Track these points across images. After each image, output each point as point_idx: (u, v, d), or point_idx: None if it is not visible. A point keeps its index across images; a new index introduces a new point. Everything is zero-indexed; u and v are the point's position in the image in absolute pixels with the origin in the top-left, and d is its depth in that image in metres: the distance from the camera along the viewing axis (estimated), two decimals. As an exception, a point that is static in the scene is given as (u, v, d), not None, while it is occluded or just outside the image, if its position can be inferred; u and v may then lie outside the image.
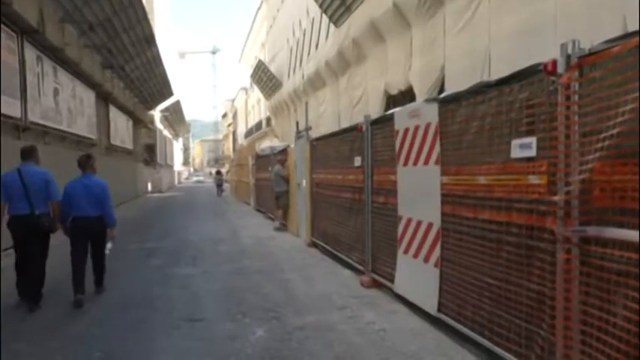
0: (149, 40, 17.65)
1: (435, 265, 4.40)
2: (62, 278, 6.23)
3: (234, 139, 65.40)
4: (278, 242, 10.03)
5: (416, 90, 12.36)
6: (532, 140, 3.09)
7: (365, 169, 6.18)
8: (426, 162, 4.55)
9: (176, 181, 54.57)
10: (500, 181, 3.42)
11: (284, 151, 12.73)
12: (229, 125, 77.36)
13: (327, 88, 20.63)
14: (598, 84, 2.61)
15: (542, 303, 2.99)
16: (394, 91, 14.01)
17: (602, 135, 2.52)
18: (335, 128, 13.57)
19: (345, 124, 16.35)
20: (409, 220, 4.99)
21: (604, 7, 6.47)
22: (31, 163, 5.60)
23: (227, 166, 59.37)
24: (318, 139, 9.06)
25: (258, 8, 41.90)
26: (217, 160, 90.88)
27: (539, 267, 3.03)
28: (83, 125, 16.33)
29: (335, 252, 7.76)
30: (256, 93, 42.11)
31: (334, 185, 7.79)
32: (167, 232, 12.12)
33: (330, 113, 19.86)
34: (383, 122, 5.76)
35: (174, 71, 39.27)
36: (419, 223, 4.77)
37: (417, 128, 4.71)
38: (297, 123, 12.05)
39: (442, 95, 4.31)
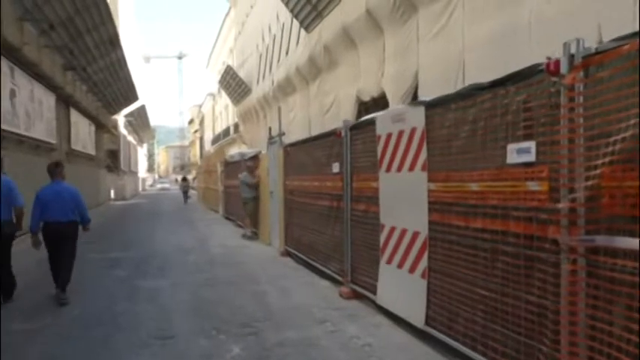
0: (113, 41, 17.02)
1: (422, 276, 4.21)
2: (23, 288, 5.89)
3: (201, 146, 64.32)
4: (250, 251, 9.69)
5: (389, 97, 12.27)
6: (531, 144, 2.94)
7: (344, 176, 5.97)
8: (411, 168, 4.37)
9: (140, 188, 53.15)
10: (495, 188, 3.25)
11: (254, 158, 12.42)
12: (196, 131, 76.08)
13: (297, 94, 20.42)
14: (605, 85, 2.47)
15: (544, 317, 2.83)
16: (366, 98, 13.92)
17: (612, 138, 2.37)
18: (305, 135, 13.32)
19: (315, 131, 16.13)
20: (392, 229, 4.80)
21: (579, 14, 6.49)
22: None
23: (193, 172, 58.30)
24: (292, 144, 8.82)
25: (227, 14, 41.41)
26: (183, 167, 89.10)
27: (539, 278, 2.87)
28: (42, 129, 15.53)
29: (311, 261, 7.50)
30: (224, 99, 41.50)
31: (310, 192, 7.55)
32: (132, 241, 11.59)
33: (300, 119, 19.64)
34: (363, 127, 5.57)
35: (139, 76, 38.25)
36: (403, 232, 4.58)
37: (401, 133, 4.53)
38: (270, 129, 11.78)
39: (429, 98, 4.14)
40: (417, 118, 4.25)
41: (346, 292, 5.82)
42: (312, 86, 18.43)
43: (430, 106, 4.10)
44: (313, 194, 7.36)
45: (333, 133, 6.44)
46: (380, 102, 12.92)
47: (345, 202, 5.94)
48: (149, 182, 71.78)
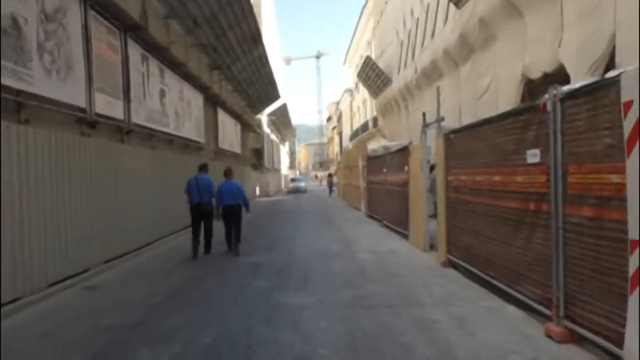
0: (255, 38, 16.85)
1: None
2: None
3: (341, 142, 64.63)
4: (402, 259, 8.24)
5: (569, 70, 9.89)
6: None
7: (550, 167, 4.23)
8: None
9: (283, 185, 54.91)
10: None
11: (402, 150, 10.91)
12: (334, 128, 76.89)
13: (444, 79, 18.39)
14: None
15: None
16: (536, 75, 11.54)
17: None
18: (455, 124, 11.35)
19: (467, 119, 14.09)
20: (659, 250, 3.00)
21: None
22: (203, 173, 9.29)
23: (332, 168, 58.87)
24: (456, 130, 7.18)
25: (364, 5, 40.42)
26: (322, 164, 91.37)
27: None
28: (191, 128, 15.89)
29: (486, 278, 5.85)
30: (362, 94, 40.64)
31: (486, 189, 5.88)
32: (274, 242, 10.93)
33: (449, 107, 17.50)
34: (588, 94, 3.79)
35: (280, 77, 39.18)
36: (689, 257, 2.77)
37: (685, 93, 2.73)
38: (424, 114, 10.15)
39: None
40: None
41: (558, 332, 4.09)
42: (463, 69, 16.34)
43: None
44: (492, 192, 5.68)
45: (526, 110, 4.73)
46: (553, 79, 10.57)
47: (554, 203, 4.20)
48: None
